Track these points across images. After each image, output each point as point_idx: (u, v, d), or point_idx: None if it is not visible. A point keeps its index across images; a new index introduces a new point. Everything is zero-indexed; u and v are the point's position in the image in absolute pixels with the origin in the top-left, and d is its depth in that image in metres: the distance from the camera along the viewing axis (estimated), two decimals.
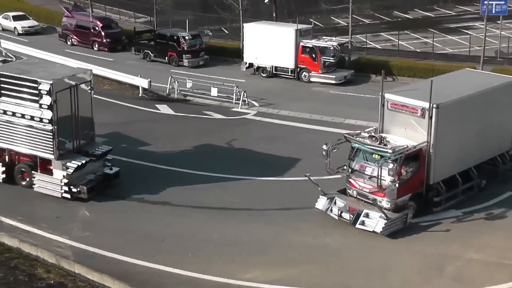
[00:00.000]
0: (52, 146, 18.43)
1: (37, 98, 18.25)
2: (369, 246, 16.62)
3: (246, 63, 36.59)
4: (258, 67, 36.09)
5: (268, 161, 22.60)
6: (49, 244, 16.17)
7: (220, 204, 18.97)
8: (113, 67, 33.66)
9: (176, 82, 31.87)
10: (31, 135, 18.60)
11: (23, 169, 19.37)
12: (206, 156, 22.94)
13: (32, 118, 18.42)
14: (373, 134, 18.02)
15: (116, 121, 25.76)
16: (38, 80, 18.18)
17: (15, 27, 48.59)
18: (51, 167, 18.78)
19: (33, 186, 19.07)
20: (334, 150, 17.69)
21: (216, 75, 34.21)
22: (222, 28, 47.97)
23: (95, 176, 19.35)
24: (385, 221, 16.97)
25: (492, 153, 20.29)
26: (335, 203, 18.03)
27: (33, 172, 19.01)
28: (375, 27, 48.07)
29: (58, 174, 18.62)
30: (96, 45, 43.66)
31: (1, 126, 19.09)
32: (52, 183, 18.76)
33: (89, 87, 19.44)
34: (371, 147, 17.58)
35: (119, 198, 19.14)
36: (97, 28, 43.87)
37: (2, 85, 18.79)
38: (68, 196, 18.55)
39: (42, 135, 18.41)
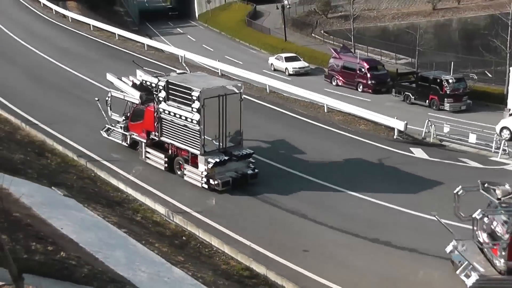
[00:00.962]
0: (199, 144, 22.40)
1: (190, 103, 22.39)
2: None
3: (510, 109, 34.92)
4: None
5: None
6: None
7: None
8: (371, 108, 34.69)
9: (433, 126, 31.93)
10: (186, 133, 22.92)
11: (180, 161, 23.79)
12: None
13: (186, 119, 22.62)
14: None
15: (368, 160, 26.58)
16: (192, 87, 22.42)
17: (286, 68, 52.19)
18: (197, 161, 22.85)
19: (184, 176, 23.41)
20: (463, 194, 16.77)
21: (477, 121, 33.49)
22: (486, 71, 46.62)
23: (235, 174, 22.95)
24: (478, 277, 15.70)
25: None
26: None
27: (185, 164, 23.36)
28: None
29: (202, 167, 22.72)
30: (361, 87, 45.02)
31: (168, 124, 23.67)
32: (196, 174, 22.95)
33: (239, 98, 23.09)
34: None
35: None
36: (363, 70, 45.30)
37: (170, 91, 23.34)
38: (206, 186, 22.55)
39: (193, 133, 22.59)
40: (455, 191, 17.26)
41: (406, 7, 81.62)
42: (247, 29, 77.36)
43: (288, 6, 78.53)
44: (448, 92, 38.73)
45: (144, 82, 24.98)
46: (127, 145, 26.13)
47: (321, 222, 20.16)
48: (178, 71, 28.86)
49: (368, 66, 45.55)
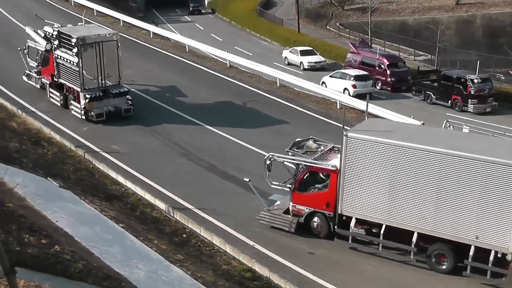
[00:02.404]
0: (79, 82, 28.01)
1: (72, 48, 27.99)
2: None
3: None
4: None
5: None
6: None
7: None
8: (388, 106, 34.39)
9: (451, 127, 31.79)
10: (72, 74, 28.54)
11: (71, 99, 29.39)
12: None
13: (70, 62, 28.30)
14: None
15: None
16: (72, 35, 28.10)
17: (301, 62, 51.50)
18: (80, 98, 28.28)
19: (72, 110, 29.00)
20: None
21: (501, 124, 33.32)
22: (510, 71, 46.31)
23: (111, 108, 28.49)
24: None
25: None
26: None
27: (72, 100, 29.12)
28: None
29: (82, 102, 28.29)
30: (379, 84, 44.24)
31: (62, 67, 29.19)
32: (78, 108, 28.64)
33: (116, 45, 28.45)
34: None
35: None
36: (382, 66, 44.58)
37: (60, 39, 29.10)
38: (84, 117, 28.21)
39: (75, 74, 28.19)
40: (265, 158, 19.82)
41: (428, 1, 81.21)
42: (259, 19, 77.16)
43: None
44: (472, 93, 38.06)
45: (45, 33, 31.22)
46: (39, 87, 31.88)
47: None
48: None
49: (388, 63, 44.79)
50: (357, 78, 42.02)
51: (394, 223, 18.20)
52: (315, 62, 51.33)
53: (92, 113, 28.20)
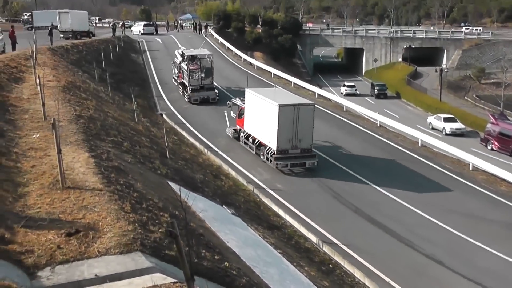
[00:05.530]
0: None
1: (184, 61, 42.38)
2: None
3: None
4: None
5: None
6: None
7: None
8: None
9: None
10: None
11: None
12: None
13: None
14: None
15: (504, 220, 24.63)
16: (183, 53, 43.94)
17: (443, 128, 50.35)
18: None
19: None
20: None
21: None
22: None
23: (204, 96, 41.39)
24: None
25: None
26: None
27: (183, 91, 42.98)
28: None
29: (188, 91, 42.27)
30: None
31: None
32: (186, 95, 42.43)
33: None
34: None
35: None
36: None
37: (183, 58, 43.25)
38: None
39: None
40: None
41: None
42: (407, 87, 75.83)
43: (446, 70, 76.31)
44: None
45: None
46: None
47: None
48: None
49: None
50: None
51: (255, 135, 30.09)
52: (456, 129, 50.11)
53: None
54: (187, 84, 41.63)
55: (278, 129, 27.33)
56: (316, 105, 29.67)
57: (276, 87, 42.65)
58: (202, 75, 41.44)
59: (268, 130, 28.44)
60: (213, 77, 42.33)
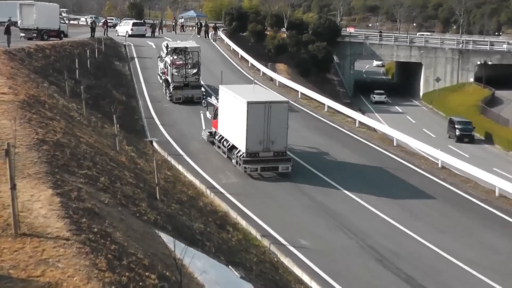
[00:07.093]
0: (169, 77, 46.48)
1: (166, 55, 50.60)
2: None
3: None
4: None
5: None
6: None
7: None
8: None
9: None
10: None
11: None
12: None
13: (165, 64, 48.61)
14: None
15: None
16: (168, 45, 50.74)
17: None
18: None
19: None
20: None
21: None
22: None
23: (187, 95, 47.97)
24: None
25: None
26: None
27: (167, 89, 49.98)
28: None
29: (170, 89, 48.75)
30: None
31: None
32: (168, 93, 49.31)
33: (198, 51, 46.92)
34: None
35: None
36: None
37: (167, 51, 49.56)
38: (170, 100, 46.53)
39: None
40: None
41: None
42: (480, 116, 75.63)
43: None
44: None
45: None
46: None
47: None
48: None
49: None
50: None
51: (227, 137, 34.67)
52: None
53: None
54: (170, 81, 47.20)
55: (247, 129, 31.38)
56: (355, 136, 29.67)
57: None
58: (187, 71, 47.22)
59: (238, 131, 32.52)
60: (199, 73, 48.20)
